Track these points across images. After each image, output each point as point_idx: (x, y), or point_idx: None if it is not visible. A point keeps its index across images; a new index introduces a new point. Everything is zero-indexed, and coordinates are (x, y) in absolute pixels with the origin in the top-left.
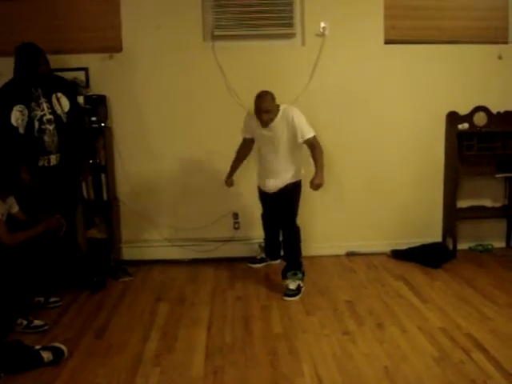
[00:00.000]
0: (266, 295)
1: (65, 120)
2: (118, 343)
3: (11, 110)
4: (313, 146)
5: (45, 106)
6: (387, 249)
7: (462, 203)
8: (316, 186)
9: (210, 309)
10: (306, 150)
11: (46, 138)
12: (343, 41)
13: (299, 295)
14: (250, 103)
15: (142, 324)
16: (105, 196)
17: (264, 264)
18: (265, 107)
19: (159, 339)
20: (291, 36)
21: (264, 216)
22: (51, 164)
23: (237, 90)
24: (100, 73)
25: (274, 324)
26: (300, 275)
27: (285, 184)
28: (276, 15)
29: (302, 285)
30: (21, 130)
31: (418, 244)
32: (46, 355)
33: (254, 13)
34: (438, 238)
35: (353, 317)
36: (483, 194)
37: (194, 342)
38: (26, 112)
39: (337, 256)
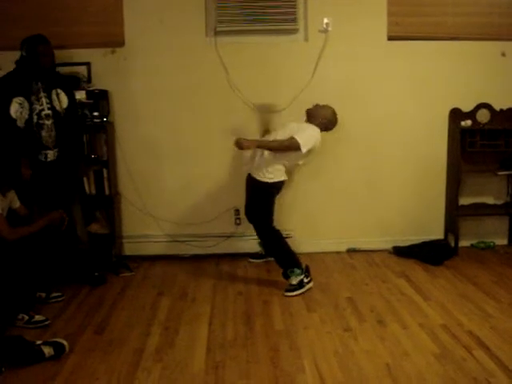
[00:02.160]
0: (268, 291)
1: (63, 116)
2: (119, 338)
3: (11, 101)
4: (290, 138)
5: (44, 100)
6: (388, 245)
7: (464, 200)
8: (236, 141)
9: (211, 304)
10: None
11: (44, 132)
12: (346, 37)
13: (300, 290)
14: (251, 98)
15: (143, 319)
16: (106, 191)
17: (264, 260)
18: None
19: (160, 334)
20: (294, 31)
21: None
22: (48, 159)
23: (239, 85)
24: (102, 67)
25: (275, 320)
26: (298, 271)
27: (254, 177)
28: (279, 10)
29: (305, 280)
30: (19, 123)
31: (420, 241)
32: (47, 350)
33: (257, 8)
34: (440, 235)
35: (354, 313)
36: (485, 192)
37: (195, 338)
38: (25, 105)
39: (338, 252)
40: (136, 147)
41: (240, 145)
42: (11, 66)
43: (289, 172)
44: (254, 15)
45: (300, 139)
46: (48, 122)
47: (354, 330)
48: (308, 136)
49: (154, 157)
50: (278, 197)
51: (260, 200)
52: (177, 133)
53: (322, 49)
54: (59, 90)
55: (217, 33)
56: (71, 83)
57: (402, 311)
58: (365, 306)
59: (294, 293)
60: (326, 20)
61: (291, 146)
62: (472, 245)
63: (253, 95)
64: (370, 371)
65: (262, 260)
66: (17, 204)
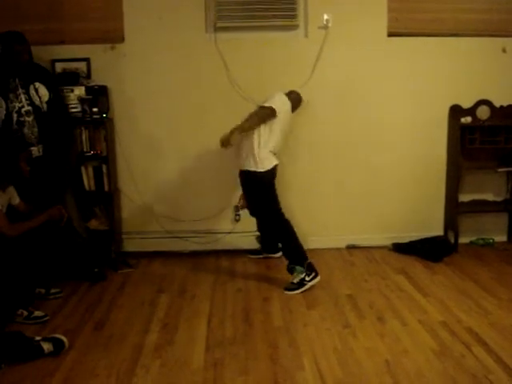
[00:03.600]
0: (267, 288)
1: (44, 110)
2: (119, 335)
3: None
4: (258, 108)
5: (23, 97)
6: (388, 242)
7: (464, 197)
8: (222, 140)
9: (210, 301)
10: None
11: (26, 129)
12: (346, 33)
13: (300, 289)
14: (251, 94)
15: (143, 316)
16: (106, 187)
17: (263, 256)
18: None
19: (159, 331)
20: (294, 28)
21: None
22: (33, 156)
23: (239, 81)
24: (102, 63)
25: (275, 317)
26: (301, 269)
27: (246, 169)
28: (279, 7)
29: (307, 279)
30: None
31: (420, 237)
32: (47, 346)
33: (257, 4)
34: (440, 232)
35: (353, 310)
36: (485, 188)
37: (194, 334)
38: (2, 104)
39: (337, 249)
40: (135, 143)
41: (227, 142)
42: None
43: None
44: (254, 11)
45: (271, 103)
46: (29, 119)
47: (354, 327)
48: (277, 100)
49: (153, 153)
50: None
51: (261, 192)
52: (176, 129)
53: (322, 45)
54: (37, 84)
55: (217, 29)
56: (52, 74)
57: (401, 308)
58: (364, 302)
59: (294, 292)
60: (326, 16)
61: (267, 113)
62: (471, 241)
63: (253, 91)
64: (369, 368)
65: (261, 256)
66: (16, 200)
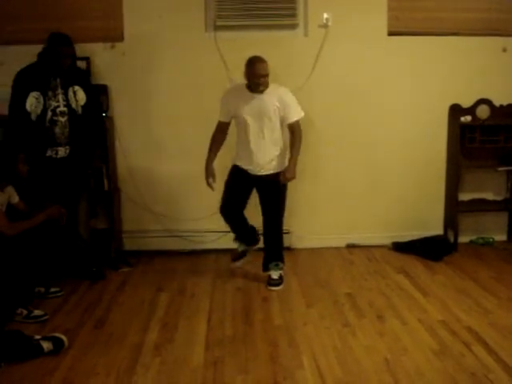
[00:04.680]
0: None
1: (79, 113)
2: (118, 333)
3: (28, 94)
4: (294, 129)
5: (60, 97)
6: (388, 241)
7: (464, 196)
8: (287, 179)
9: (210, 300)
10: None
11: (57, 129)
12: (346, 32)
13: (282, 284)
14: None
15: (142, 314)
16: (106, 186)
17: (247, 257)
18: (265, 71)
19: (159, 330)
20: (294, 27)
21: (228, 205)
22: (59, 156)
23: (239, 80)
24: (101, 62)
25: (275, 316)
26: (282, 265)
27: (272, 171)
28: (279, 5)
29: (283, 274)
30: (33, 117)
31: (419, 236)
32: (46, 345)
33: (257, 3)
34: (440, 231)
35: (353, 309)
36: (485, 187)
37: (194, 333)
38: (41, 100)
39: (337, 248)
40: (135, 142)
41: (290, 180)
42: (13, 62)
43: None
44: (254, 10)
45: (298, 116)
46: (62, 119)
47: (353, 326)
48: (295, 101)
49: (153, 152)
50: None
51: (285, 195)
52: (176, 128)
53: (322, 44)
54: (76, 87)
55: (216, 28)
56: (89, 79)
57: (401, 307)
58: (364, 301)
59: (279, 287)
60: (325, 15)
61: (301, 130)
62: (471, 241)
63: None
64: (368, 367)
65: (246, 257)
66: (15, 199)
